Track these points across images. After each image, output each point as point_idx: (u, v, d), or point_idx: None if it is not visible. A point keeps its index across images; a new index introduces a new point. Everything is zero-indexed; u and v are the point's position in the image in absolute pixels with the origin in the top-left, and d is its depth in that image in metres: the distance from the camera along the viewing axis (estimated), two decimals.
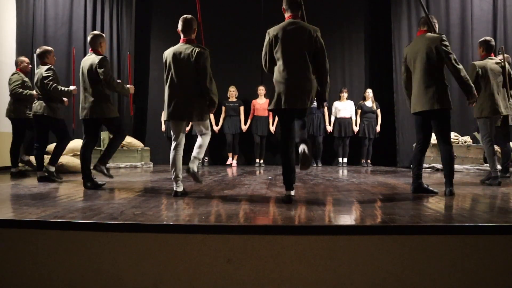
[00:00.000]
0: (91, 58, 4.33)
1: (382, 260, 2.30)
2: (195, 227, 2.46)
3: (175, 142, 3.79)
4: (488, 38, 5.03)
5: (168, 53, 3.76)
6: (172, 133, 3.84)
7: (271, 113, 7.94)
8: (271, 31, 3.43)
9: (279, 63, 3.40)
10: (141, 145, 7.90)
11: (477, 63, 4.85)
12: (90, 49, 4.41)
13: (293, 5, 3.44)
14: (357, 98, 8.24)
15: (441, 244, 2.31)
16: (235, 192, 4.10)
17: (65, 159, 6.14)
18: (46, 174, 5.04)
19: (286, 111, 3.39)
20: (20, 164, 5.90)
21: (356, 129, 7.95)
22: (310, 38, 3.33)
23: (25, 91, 5.51)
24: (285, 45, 3.35)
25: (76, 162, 6.17)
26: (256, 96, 8.14)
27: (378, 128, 7.93)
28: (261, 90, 8.00)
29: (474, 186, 4.62)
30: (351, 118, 7.97)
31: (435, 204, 3.31)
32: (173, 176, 3.77)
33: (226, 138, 8.05)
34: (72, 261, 2.39)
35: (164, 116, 3.90)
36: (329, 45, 8.06)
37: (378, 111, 7.98)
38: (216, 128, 7.98)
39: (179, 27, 3.79)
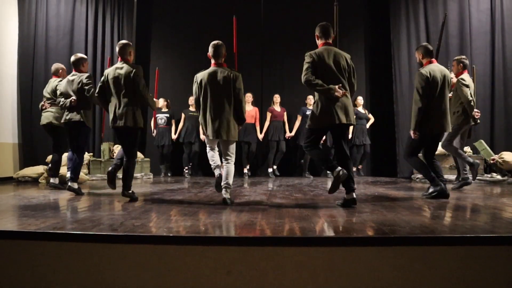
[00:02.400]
0: (125, 67, 4.24)
1: (382, 272, 2.28)
2: (194, 239, 2.44)
3: (210, 149, 4.21)
4: (463, 56, 5.47)
5: (202, 76, 4.06)
6: (208, 144, 4.21)
7: (257, 121, 7.94)
8: (313, 54, 3.78)
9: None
10: (141, 156, 7.90)
11: (465, 77, 5.17)
12: (119, 57, 4.35)
13: (326, 33, 3.90)
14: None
15: (442, 255, 2.30)
16: (235, 203, 4.09)
17: (64, 170, 6.13)
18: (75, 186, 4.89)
19: (332, 126, 3.80)
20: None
21: (350, 136, 7.97)
22: (347, 63, 3.86)
23: (60, 99, 5.20)
24: (328, 69, 3.74)
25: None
26: None
27: (368, 125, 8.06)
28: (249, 97, 7.93)
29: (474, 196, 4.61)
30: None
31: (435, 215, 3.30)
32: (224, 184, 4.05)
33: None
34: (71, 272, 2.38)
35: (201, 132, 4.19)
36: None
37: (370, 115, 8.11)
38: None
39: (210, 53, 4.10)
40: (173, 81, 8.62)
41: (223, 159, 4.14)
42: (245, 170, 7.97)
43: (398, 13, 7.97)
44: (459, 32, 7.61)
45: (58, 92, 5.39)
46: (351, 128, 7.97)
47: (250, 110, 7.92)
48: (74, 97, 4.96)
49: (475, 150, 7.03)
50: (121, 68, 4.26)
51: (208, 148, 4.24)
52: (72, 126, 5.01)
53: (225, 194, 4.01)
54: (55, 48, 7.74)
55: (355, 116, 7.87)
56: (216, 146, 4.25)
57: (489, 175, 6.68)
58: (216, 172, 4.07)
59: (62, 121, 5.10)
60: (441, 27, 5.27)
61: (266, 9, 8.38)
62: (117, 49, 4.40)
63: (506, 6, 7.47)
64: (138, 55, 8.54)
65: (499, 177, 6.55)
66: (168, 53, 8.91)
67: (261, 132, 7.99)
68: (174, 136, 8.16)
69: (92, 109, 5.30)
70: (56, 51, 7.71)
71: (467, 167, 5.28)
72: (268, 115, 8.00)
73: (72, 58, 5.15)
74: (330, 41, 3.90)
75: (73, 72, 5.10)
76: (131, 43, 4.49)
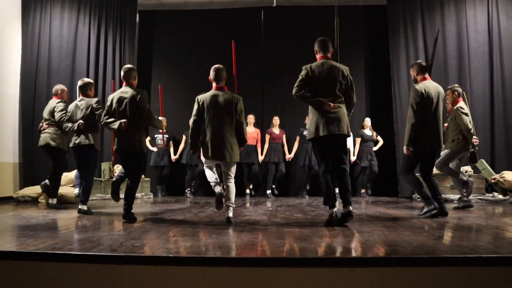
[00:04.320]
0: (130, 91, 4.27)
1: None
2: (195, 260, 2.42)
3: (208, 168, 4.21)
4: (456, 85, 5.57)
5: (204, 98, 4.12)
6: (206, 164, 4.22)
7: (259, 143, 7.95)
8: (308, 67, 3.86)
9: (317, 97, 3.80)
10: (142, 176, 7.87)
11: (463, 105, 5.23)
12: (124, 82, 4.38)
13: (324, 47, 3.94)
14: (357, 129, 8.28)
15: (445, 276, 2.28)
16: (236, 223, 4.06)
17: (64, 189, 6.13)
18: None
19: (326, 138, 3.78)
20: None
21: (353, 158, 7.94)
22: (343, 76, 3.85)
23: (68, 124, 5.14)
24: (321, 81, 3.79)
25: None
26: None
27: (375, 148, 8.00)
28: (251, 119, 7.96)
29: (476, 216, 4.58)
30: (348, 149, 7.96)
31: (437, 235, 3.28)
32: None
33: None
34: None
35: (201, 156, 4.24)
36: None
37: (379, 138, 8.04)
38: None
39: (211, 76, 4.19)
40: (174, 102, 8.66)
41: (224, 179, 4.17)
42: (248, 191, 7.93)
43: (397, 34, 8.06)
44: (458, 53, 7.70)
45: (56, 114, 5.43)
46: (354, 150, 8.00)
47: (252, 132, 7.92)
48: (81, 121, 4.97)
49: (476, 170, 7.02)
50: (126, 92, 4.29)
51: (205, 166, 4.25)
52: (82, 149, 5.00)
53: (229, 213, 4.06)
54: (57, 68, 7.82)
55: (360, 138, 8.01)
56: (214, 165, 4.26)
57: (490, 195, 6.66)
58: (217, 189, 4.05)
59: (71, 145, 5.08)
60: (434, 42, 5.31)
61: (266, 31, 8.50)
62: (122, 73, 4.42)
63: (503, 26, 7.58)
64: (140, 75, 8.60)
65: (500, 196, 6.53)
66: (170, 74, 8.99)
67: (261, 154, 7.99)
68: (174, 157, 8.15)
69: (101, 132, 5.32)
70: (58, 71, 7.79)
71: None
72: (267, 137, 8.02)
73: (79, 83, 5.18)
74: (329, 55, 3.95)
75: (81, 97, 5.13)
76: (135, 68, 4.51)
